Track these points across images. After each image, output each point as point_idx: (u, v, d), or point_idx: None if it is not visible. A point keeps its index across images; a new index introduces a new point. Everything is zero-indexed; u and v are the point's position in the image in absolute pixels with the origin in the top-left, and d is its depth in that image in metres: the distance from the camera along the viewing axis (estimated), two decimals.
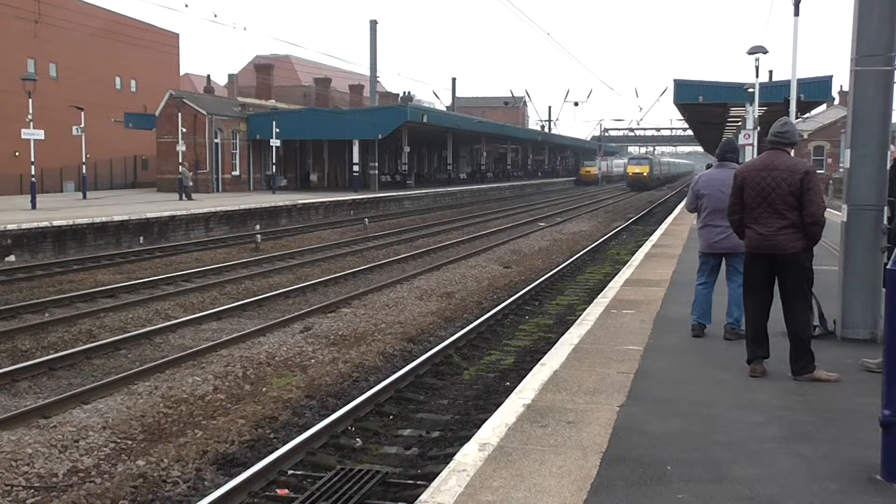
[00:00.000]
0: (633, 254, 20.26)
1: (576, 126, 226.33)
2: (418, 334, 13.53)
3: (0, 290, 17.63)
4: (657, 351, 8.58)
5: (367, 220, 35.94)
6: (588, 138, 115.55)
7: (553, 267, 21.69)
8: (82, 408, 9.29)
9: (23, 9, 43.05)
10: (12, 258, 22.66)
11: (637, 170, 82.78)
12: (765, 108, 33.88)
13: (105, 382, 10.15)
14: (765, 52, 29.43)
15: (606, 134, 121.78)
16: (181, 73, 70.44)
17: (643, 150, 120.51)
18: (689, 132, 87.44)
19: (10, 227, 22.99)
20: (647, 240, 23.44)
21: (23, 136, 32.60)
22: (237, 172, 50.53)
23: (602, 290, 13.57)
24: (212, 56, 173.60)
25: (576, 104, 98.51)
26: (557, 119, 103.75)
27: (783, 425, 6.15)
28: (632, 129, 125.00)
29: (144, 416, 9.03)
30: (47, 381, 10.69)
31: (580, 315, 11.28)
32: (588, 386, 7.25)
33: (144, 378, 10.49)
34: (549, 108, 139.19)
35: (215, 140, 48.11)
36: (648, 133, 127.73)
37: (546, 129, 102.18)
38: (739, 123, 39.63)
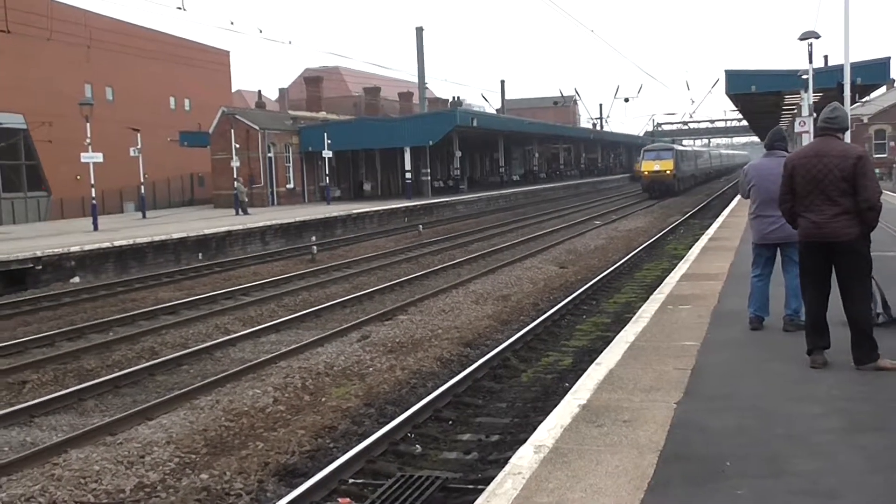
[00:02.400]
0: (689, 248, 20.03)
1: (627, 122, 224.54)
2: (475, 338, 13.55)
3: (66, 311, 18.08)
4: (714, 346, 8.48)
5: (420, 226, 36.07)
6: (641, 134, 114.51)
7: (609, 265, 21.55)
8: (147, 424, 9.49)
9: (76, 35, 44.07)
10: (77, 279, 23.22)
11: (655, 167, 55.54)
12: (820, 94, 33.27)
13: (168, 398, 10.36)
14: (817, 36, 28.88)
15: (659, 128, 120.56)
16: (233, 89, 71.51)
17: (692, 141, 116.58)
18: (745, 122, 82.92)
19: (73, 249, 23.56)
20: (704, 233, 23.17)
21: (82, 160, 33.37)
22: (291, 185, 51.09)
23: (658, 287, 13.45)
24: (262, 71, 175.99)
25: (626, 100, 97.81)
26: (608, 116, 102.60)
27: (844, 417, 6.04)
28: (685, 123, 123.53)
29: (207, 429, 9.19)
30: (112, 399, 10.94)
31: (637, 312, 11.20)
32: (644, 383, 7.19)
33: (206, 392, 10.67)
34: (600, 105, 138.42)
35: (268, 154, 48.71)
36: (703, 126, 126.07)
37: (597, 127, 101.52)
38: (795, 111, 38.95)
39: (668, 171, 55.02)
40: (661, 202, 49.57)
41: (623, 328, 10.19)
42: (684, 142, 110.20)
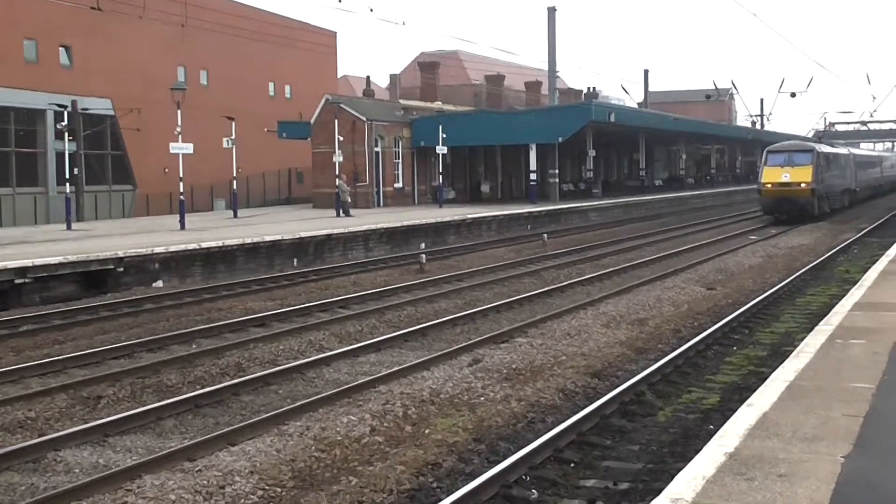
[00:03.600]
0: (865, 272, 19.39)
1: (794, 121, 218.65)
2: (604, 368, 13.41)
3: (147, 319, 18.72)
4: (894, 389, 8.15)
5: (545, 235, 35.95)
6: (809, 134, 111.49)
7: (766, 288, 21.06)
8: (229, 450, 9.70)
9: (170, 13, 45.72)
10: (160, 283, 24.04)
11: (781, 177, 43.22)
12: None
13: (253, 422, 10.58)
14: None
15: (831, 128, 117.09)
16: (339, 75, 72.97)
17: (878, 146, 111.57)
18: None
19: (157, 250, 24.40)
20: (883, 254, 22.37)
21: (171, 151, 34.56)
22: (399, 184, 51.71)
23: (825, 316, 13.06)
24: (372, 55, 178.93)
25: (792, 95, 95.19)
26: (770, 113, 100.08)
27: None
28: (864, 123, 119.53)
29: (295, 459, 9.33)
30: (193, 420, 11.24)
31: (798, 346, 10.90)
32: (805, 431, 6.97)
33: (295, 417, 10.85)
34: (761, 100, 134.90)
35: (375, 148, 49.43)
36: (886, 126, 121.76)
37: (757, 126, 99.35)
38: None
39: (802, 185, 42.08)
40: (830, 214, 47.82)
41: (781, 364, 9.93)
42: (861, 145, 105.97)
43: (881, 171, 72.31)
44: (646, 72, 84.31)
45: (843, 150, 54.23)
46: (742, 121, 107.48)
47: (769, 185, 42.73)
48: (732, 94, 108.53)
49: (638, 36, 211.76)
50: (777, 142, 53.10)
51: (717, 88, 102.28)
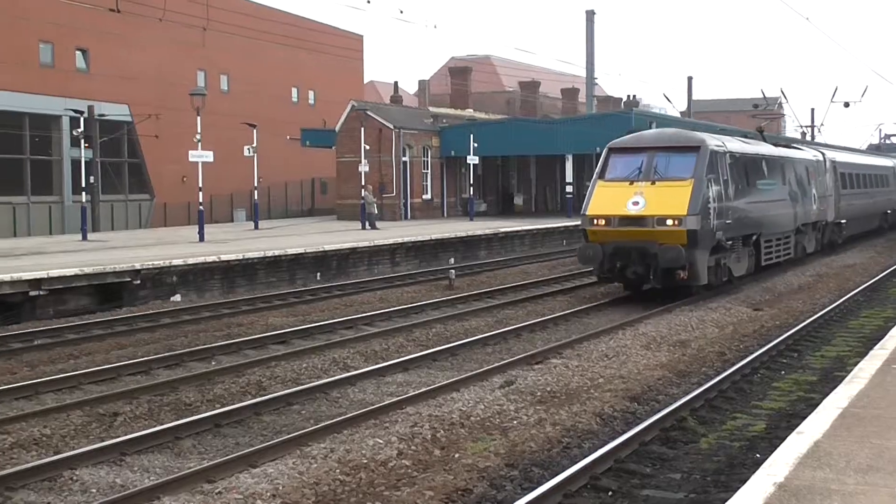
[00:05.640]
0: None
1: (847, 132, 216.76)
2: (644, 392, 13.38)
3: (164, 334, 18.87)
4: None
5: None
6: (864, 146, 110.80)
7: (816, 309, 20.95)
8: (250, 472, 9.78)
9: (190, 14, 46.14)
10: (178, 298, 24.22)
11: (629, 206, 21.66)
12: None
13: (275, 443, 10.65)
14: None
15: (888, 141, 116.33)
16: (365, 80, 73.29)
17: None
18: None
19: (175, 262, 24.60)
20: None
21: (190, 159, 34.83)
22: (428, 196, 51.84)
23: (880, 340, 12.98)
24: (400, 60, 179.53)
25: (846, 105, 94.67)
26: (822, 124, 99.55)
27: None
28: None
29: (318, 483, 9.38)
30: (213, 440, 11.33)
31: (851, 371, 10.84)
32: (859, 462, 6.94)
33: (319, 438, 10.91)
34: (812, 110, 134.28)
35: (403, 158, 49.60)
36: None
37: (808, 137, 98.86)
38: None
39: (669, 223, 21.33)
40: (885, 233, 46.87)
41: (833, 390, 9.89)
42: None
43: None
44: (689, 79, 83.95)
45: (800, 153, 32.12)
46: (791, 131, 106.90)
47: (600, 222, 21.97)
48: (781, 103, 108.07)
49: (682, 42, 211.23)
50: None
51: (765, 97, 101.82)
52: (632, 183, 21.81)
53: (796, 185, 29.45)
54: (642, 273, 21.41)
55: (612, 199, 21.92)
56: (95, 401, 12.83)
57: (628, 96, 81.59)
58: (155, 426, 11.57)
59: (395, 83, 65.76)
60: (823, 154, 34.73)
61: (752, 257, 25.26)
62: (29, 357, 16.48)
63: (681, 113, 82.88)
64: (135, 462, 10.38)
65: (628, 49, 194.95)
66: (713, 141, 23.02)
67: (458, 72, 70.38)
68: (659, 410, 11.93)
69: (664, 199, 21.31)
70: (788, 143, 35.10)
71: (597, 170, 23.09)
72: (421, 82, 74.53)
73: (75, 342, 17.95)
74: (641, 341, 17.05)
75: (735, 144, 24.98)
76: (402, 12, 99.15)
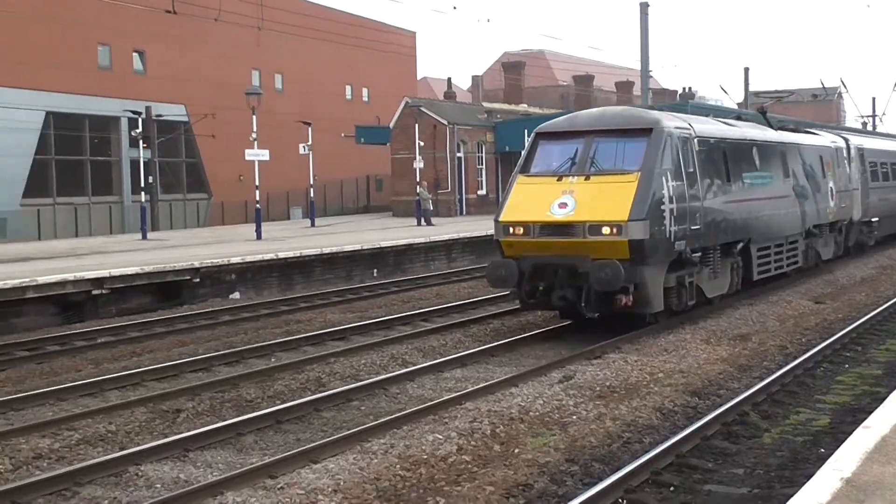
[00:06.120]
0: None
1: None
2: (704, 386, 13.28)
3: (224, 332, 19.08)
4: None
5: None
6: None
7: (881, 301, 20.66)
8: (311, 467, 9.85)
9: (245, 14, 46.54)
10: (237, 295, 24.48)
11: (553, 209, 16.32)
12: None
13: (335, 439, 10.72)
14: None
15: None
16: (418, 77, 73.45)
17: None
18: None
19: (234, 260, 24.86)
20: None
21: (247, 158, 35.18)
22: (483, 191, 51.85)
23: None
24: (453, 56, 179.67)
25: None
26: (884, 113, 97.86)
27: None
28: None
29: (379, 478, 9.43)
30: (274, 436, 11.43)
31: None
32: None
33: (379, 434, 10.96)
34: (873, 99, 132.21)
35: (458, 154, 49.67)
36: None
37: (868, 127, 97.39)
38: None
39: (605, 231, 15.98)
40: None
41: None
42: None
43: None
44: (746, 70, 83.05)
45: (810, 138, 26.39)
46: (851, 121, 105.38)
47: (517, 231, 16.91)
48: (841, 92, 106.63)
49: (739, 31, 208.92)
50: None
51: (824, 87, 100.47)
52: (560, 179, 16.65)
53: (805, 178, 24.02)
54: (572, 298, 16.13)
55: (535, 200, 16.71)
56: (158, 397, 13.00)
57: (684, 88, 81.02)
58: (217, 422, 11.70)
59: (449, 79, 65.82)
60: (846, 140, 29.09)
61: (737, 271, 19.99)
62: (93, 355, 16.75)
63: (738, 104, 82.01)
64: (198, 458, 10.50)
65: (684, 40, 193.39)
66: (672, 122, 17.54)
67: (512, 67, 70.29)
68: (720, 405, 11.84)
69: (600, 200, 16.11)
70: (800, 127, 29.77)
71: (520, 160, 18.01)
72: (474, 78, 74.57)
73: (137, 340, 18.22)
74: (701, 335, 16.91)
75: (708, 127, 19.60)
76: (455, 8, 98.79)
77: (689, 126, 18.06)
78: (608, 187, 16.23)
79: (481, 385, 13.22)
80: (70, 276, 21.15)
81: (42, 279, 20.75)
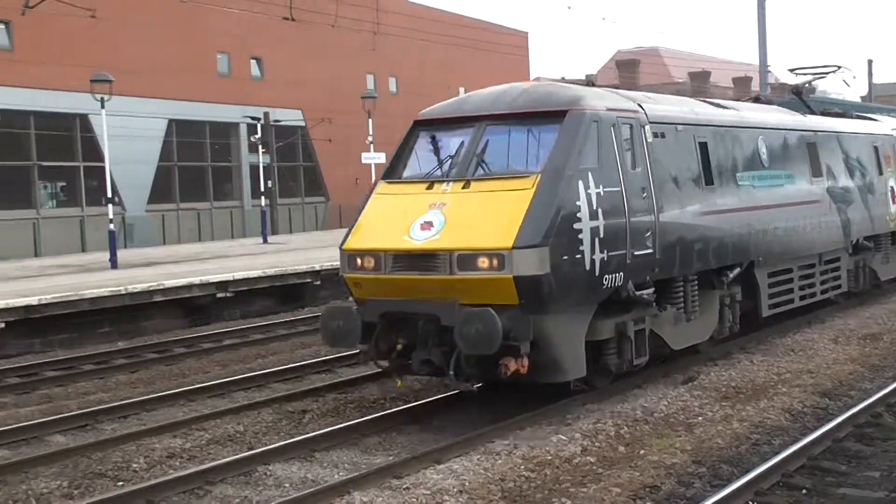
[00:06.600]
0: None
1: None
2: (835, 387, 13.00)
3: None
4: None
5: None
6: None
7: None
8: (435, 468, 9.91)
9: (362, 19, 47.07)
10: None
11: (414, 233, 11.26)
12: None
13: (460, 440, 10.76)
14: None
15: None
16: (531, 76, 73.36)
17: None
18: None
19: None
20: None
21: (363, 161, 35.63)
22: None
23: None
24: (566, 55, 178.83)
25: None
26: None
27: None
28: None
29: (504, 479, 9.45)
30: (397, 437, 11.53)
31: None
32: None
33: (502, 436, 10.97)
34: None
35: None
36: None
37: None
38: None
39: (484, 262, 10.83)
40: None
41: None
42: None
43: None
44: (869, 62, 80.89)
45: (855, 125, 21.09)
46: None
47: (366, 263, 11.82)
48: None
49: (860, 23, 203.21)
50: None
51: None
52: (431, 186, 11.80)
53: (848, 177, 18.88)
54: (438, 363, 11.09)
55: (393, 218, 11.77)
56: (284, 398, 13.26)
57: (804, 83, 79.12)
58: (341, 422, 11.85)
59: (562, 78, 65.50)
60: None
61: (731, 307, 14.87)
62: (220, 357, 17.19)
63: (861, 98, 79.81)
64: (324, 458, 10.66)
65: (803, 33, 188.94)
66: (603, 102, 12.35)
67: (626, 65, 69.82)
68: (852, 406, 11.55)
69: (479, 217, 11.13)
70: (848, 112, 24.28)
71: (389, 161, 13.62)
72: (588, 76, 73.99)
73: (261, 342, 18.61)
74: (829, 335, 16.56)
75: (670, 108, 14.07)
76: (569, 8, 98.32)
77: (635, 107, 12.88)
78: (492, 198, 11.25)
79: (604, 386, 13.11)
80: (196, 280, 21.70)
81: (169, 283, 21.33)
